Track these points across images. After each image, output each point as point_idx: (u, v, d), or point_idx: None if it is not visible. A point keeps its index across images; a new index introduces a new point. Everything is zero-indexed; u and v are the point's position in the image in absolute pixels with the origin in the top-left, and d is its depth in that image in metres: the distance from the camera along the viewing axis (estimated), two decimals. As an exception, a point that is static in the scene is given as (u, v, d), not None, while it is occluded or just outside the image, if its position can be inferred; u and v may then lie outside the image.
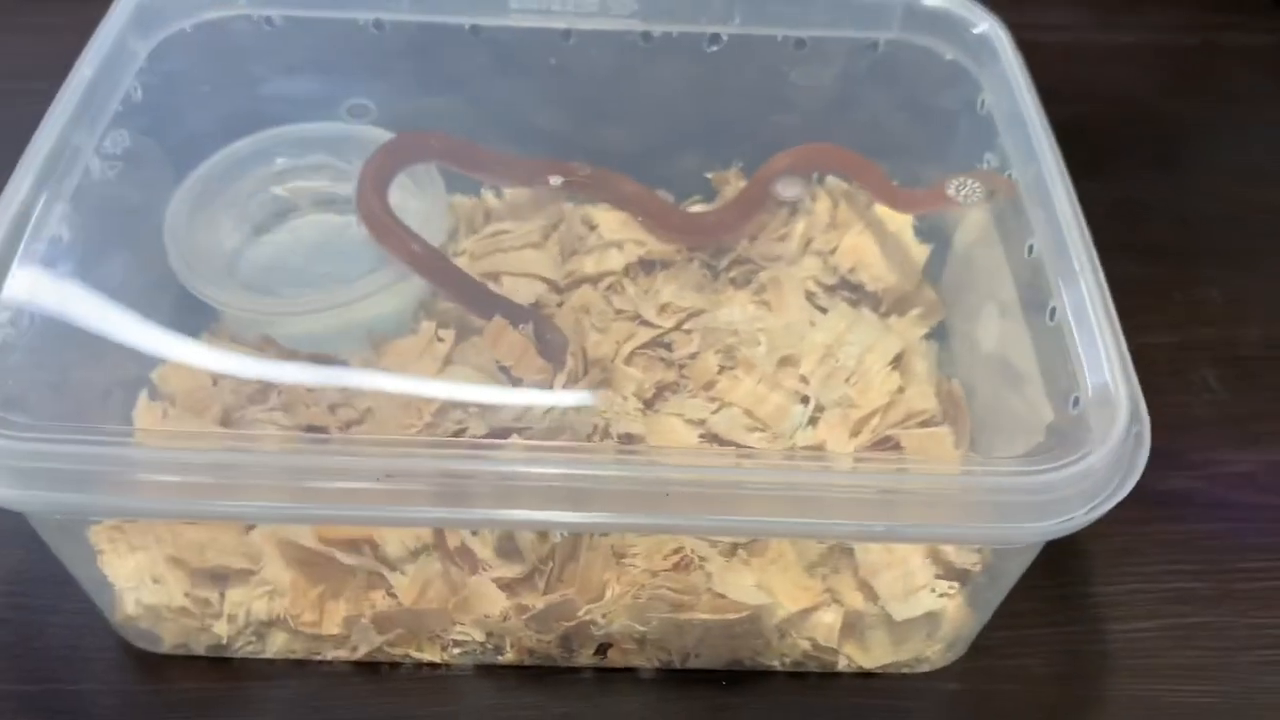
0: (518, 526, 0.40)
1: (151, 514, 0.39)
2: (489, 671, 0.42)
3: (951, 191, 0.44)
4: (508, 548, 0.42)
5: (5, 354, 0.37)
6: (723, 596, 0.40)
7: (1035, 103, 0.44)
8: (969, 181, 0.44)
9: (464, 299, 0.48)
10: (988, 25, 0.47)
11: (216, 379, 0.46)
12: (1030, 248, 0.42)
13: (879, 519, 0.35)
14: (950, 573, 0.42)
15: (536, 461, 0.36)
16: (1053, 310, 0.40)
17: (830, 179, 0.53)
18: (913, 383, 0.47)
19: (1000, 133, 0.46)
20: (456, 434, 0.46)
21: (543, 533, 0.41)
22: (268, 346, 0.47)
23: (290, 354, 0.47)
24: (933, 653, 0.43)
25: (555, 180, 0.51)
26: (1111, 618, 0.45)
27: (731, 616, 0.40)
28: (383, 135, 0.51)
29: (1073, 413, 0.37)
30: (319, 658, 0.42)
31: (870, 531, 0.36)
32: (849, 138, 0.52)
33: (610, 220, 0.53)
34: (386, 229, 0.47)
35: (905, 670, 0.43)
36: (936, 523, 0.35)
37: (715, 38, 0.50)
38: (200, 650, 0.42)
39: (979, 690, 0.43)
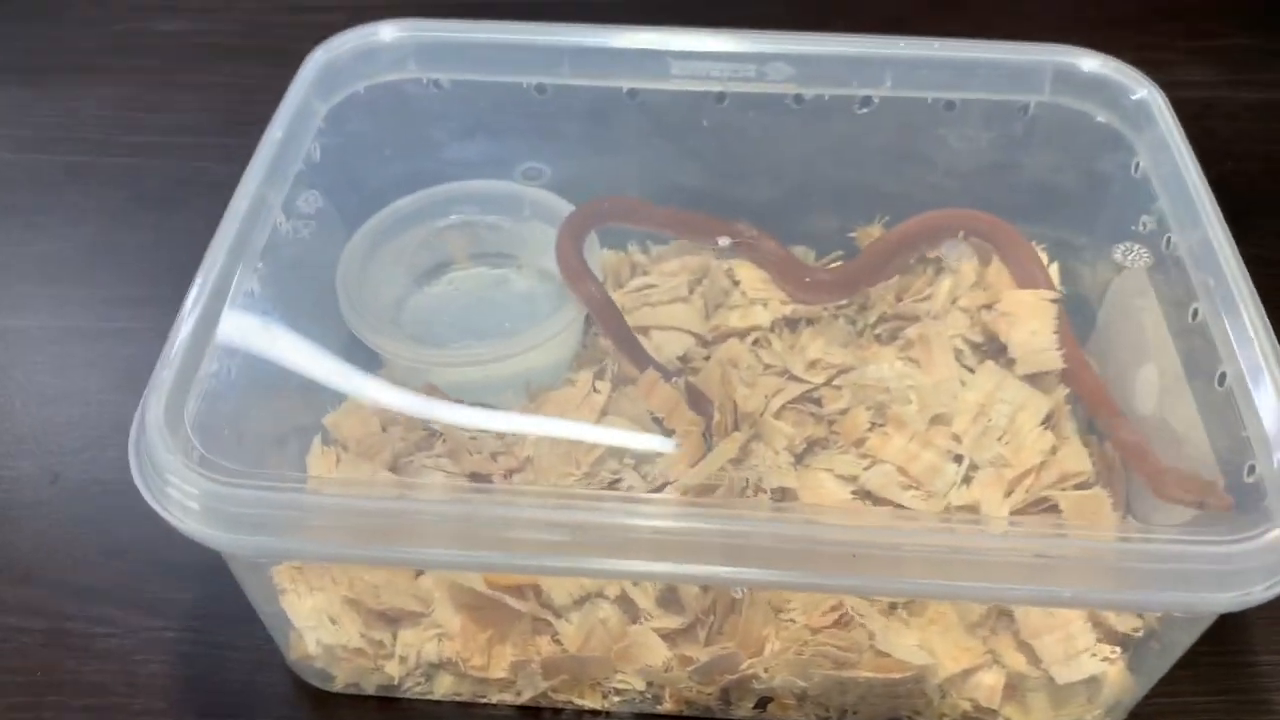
0: (678, 580, 0.41)
1: (328, 558, 0.41)
2: (648, 720, 0.43)
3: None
4: (669, 599, 0.43)
5: (210, 401, 0.39)
6: (886, 655, 0.41)
7: (1195, 165, 0.44)
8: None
9: (626, 351, 0.50)
10: (1145, 91, 0.47)
11: (386, 425, 0.48)
12: (1195, 312, 0.42)
13: (1054, 584, 0.35)
14: (1111, 637, 0.42)
15: (696, 516, 0.37)
16: (1222, 376, 0.40)
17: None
18: (1064, 444, 0.47)
19: (1158, 196, 0.46)
20: (613, 484, 0.47)
21: (703, 589, 0.42)
22: (433, 394, 0.49)
23: (455, 402, 0.49)
24: (1092, 717, 0.43)
25: (724, 241, 0.52)
26: (1276, 687, 0.44)
27: (895, 676, 0.40)
28: (539, 194, 0.53)
29: (1248, 481, 0.37)
30: (484, 700, 0.44)
31: (1056, 597, 0.36)
32: (997, 199, 0.52)
33: (753, 277, 0.54)
34: (578, 274, 0.50)
35: (1064, 734, 0.43)
36: (1114, 589, 0.35)
37: (867, 100, 0.51)
38: (370, 689, 0.44)
39: (1141, 757, 0.42)
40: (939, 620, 0.42)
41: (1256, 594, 0.34)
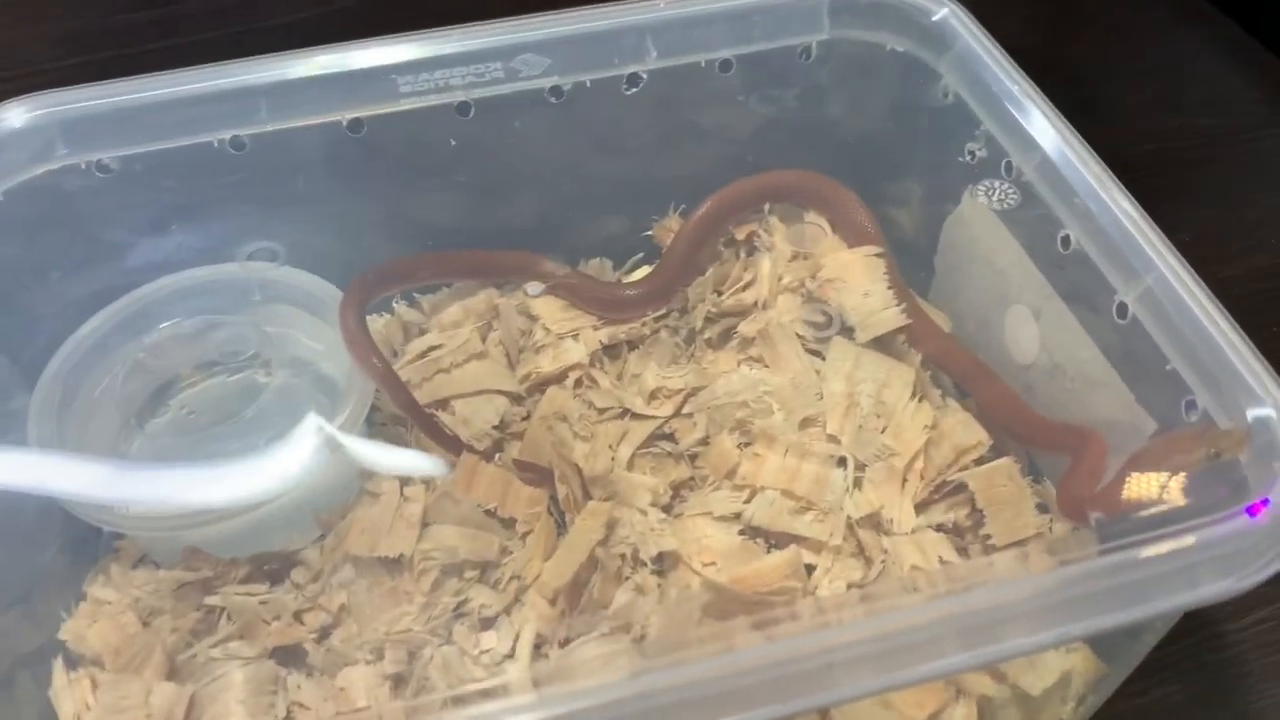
0: None
1: None
2: None
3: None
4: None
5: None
6: (845, 728, 0.34)
7: (1020, 77, 0.39)
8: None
9: (434, 436, 0.40)
10: (944, 9, 0.42)
11: (146, 618, 0.37)
12: (1065, 239, 0.37)
13: (1021, 633, 0.28)
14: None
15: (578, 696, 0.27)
16: (1122, 306, 0.35)
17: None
18: (945, 415, 0.42)
19: (980, 119, 0.41)
20: (459, 610, 0.38)
21: None
22: (196, 560, 0.38)
23: (229, 564, 0.38)
24: (1067, 714, 0.37)
25: (535, 290, 0.43)
26: (1247, 644, 0.40)
27: (865, 752, 0.33)
28: (265, 270, 0.42)
29: (1189, 419, 0.32)
30: None
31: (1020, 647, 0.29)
32: (796, 159, 0.46)
33: (551, 307, 0.46)
34: (368, 355, 0.41)
35: (1045, 743, 0.38)
36: (1084, 617, 0.28)
37: (633, 78, 0.43)
38: None
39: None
40: (886, 667, 0.35)
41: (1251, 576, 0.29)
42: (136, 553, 0.39)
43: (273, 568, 0.38)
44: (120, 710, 0.34)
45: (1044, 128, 0.38)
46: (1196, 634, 0.40)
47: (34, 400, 0.39)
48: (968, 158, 0.42)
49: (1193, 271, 0.33)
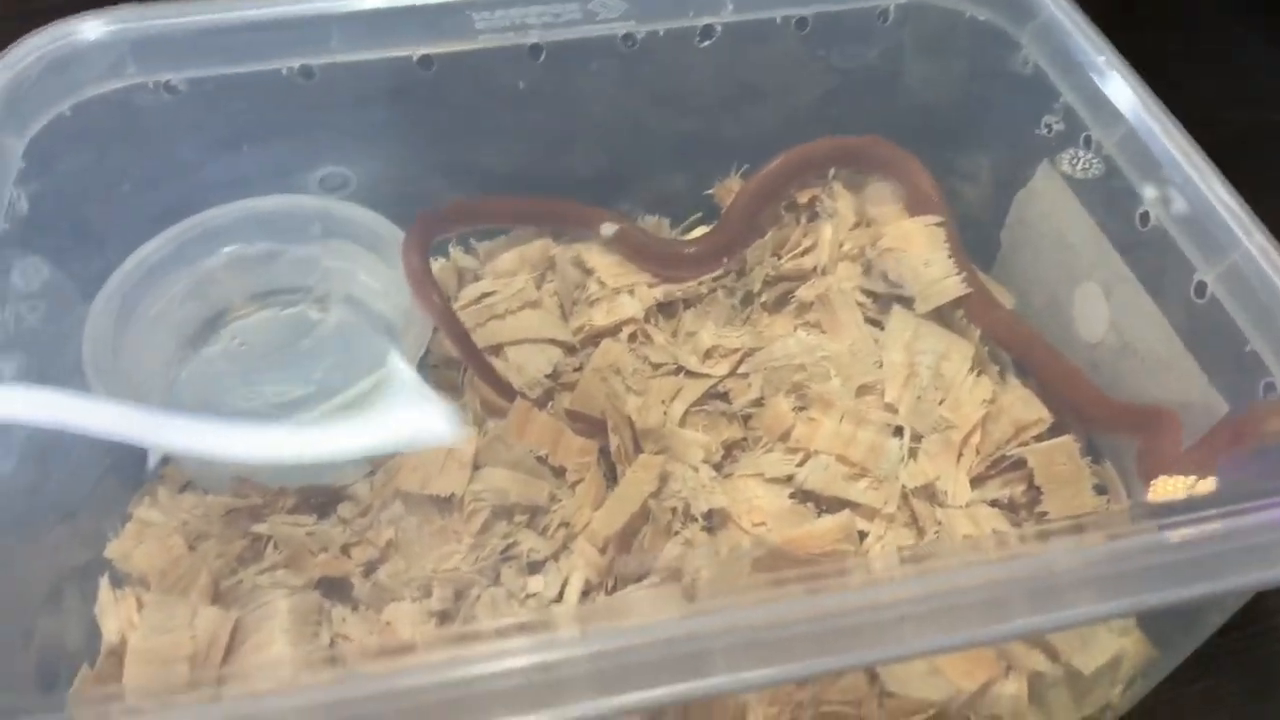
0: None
1: None
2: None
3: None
4: None
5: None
6: (895, 695, 0.33)
7: (1108, 48, 0.38)
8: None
9: (489, 381, 0.40)
10: (1030, -28, 0.41)
11: (193, 542, 0.36)
12: (1144, 216, 0.36)
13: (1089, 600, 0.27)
14: (1119, 604, 0.36)
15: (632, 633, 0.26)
16: (1200, 285, 0.34)
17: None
18: (1005, 390, 0.41)
19: (1060, 92, 0.40)
20: (506, 552, 0.37)
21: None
22: (244, 488, 0.38)
23: (277, 494, 0.38)
24: (1115, 697, 0.37)
25: (608, 230, 0.43)
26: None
27: (916, 718, 0.33)
28: (329, 205, 0.42)
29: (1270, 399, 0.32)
30: None
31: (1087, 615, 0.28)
32: (865, 125, 0.45)
33: (607, 262, 0.45)
34: (429, 293, 0.40)
35: (1090, 726, 0.37)
36: (1147, 590, 0.27)
37: (708, 30, 0.43)
38: None
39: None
40: (937, 636, 0.35)
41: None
42: (183, 478, 0.39)
43: (320, 500, 0.38)
44: (165, 630, 0.34)
45: (1130, 100, 0.37)
46: (1249, 627, 0.40)
47: (91, 315, 0.38)
48: (1044, 130, 0.41)
49: (1280, 249, 0.32)
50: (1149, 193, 0.36)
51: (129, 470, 0.39)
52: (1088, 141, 0.39)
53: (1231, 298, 0.33)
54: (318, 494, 0.38)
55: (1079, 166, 0.38)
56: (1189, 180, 0.34)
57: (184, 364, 0.42)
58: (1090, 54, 0.39)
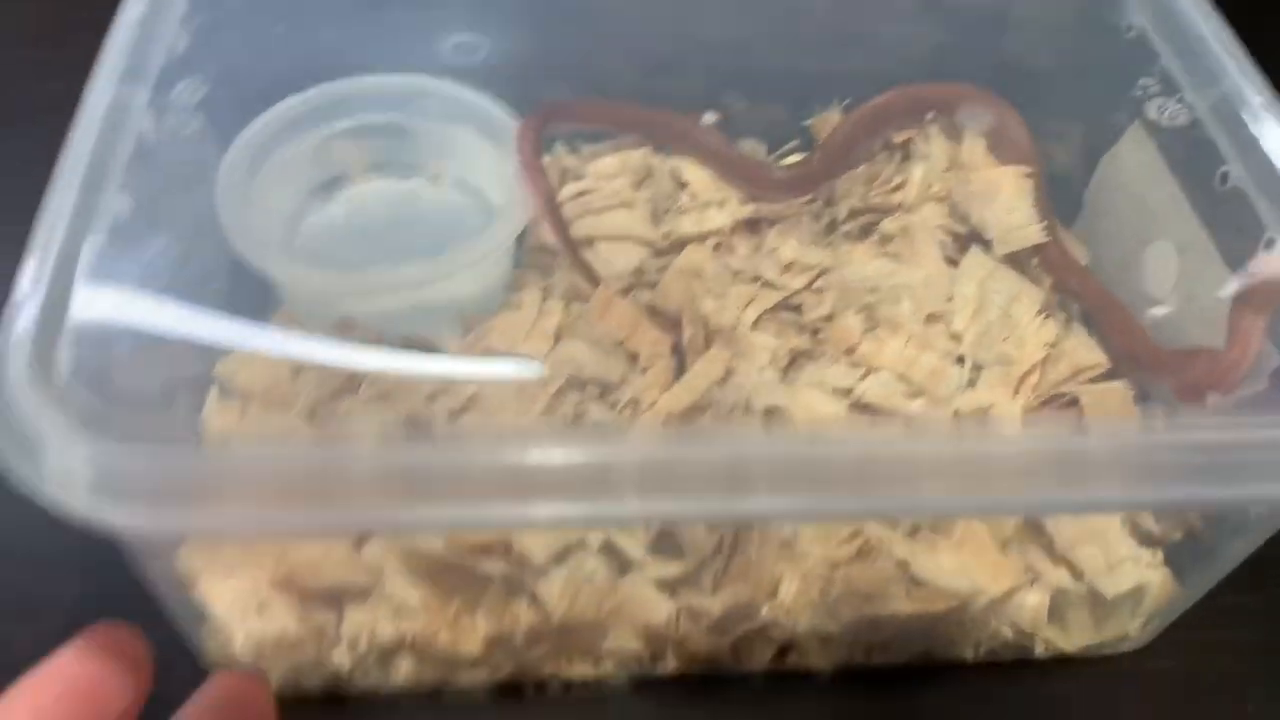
0: (672, 520, 0.35)
1: (252, 529, 0.32)
2: (648, 686, 0.37)
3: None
4: (664, 544, 0.36)
5: (76, 353, 0.30)
6: (922, 584, 0.35)
7: (1214, 13, 0.39)
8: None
9: (578, 266, 0.43)
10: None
11: (297, 370, 0.40)
12: (1224, 175, 0.38)
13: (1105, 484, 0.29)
14: (1149, 541, 0.38)
15: (687, 440, 0.30)
16: (1270, 241, 0.35)
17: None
18: (1068, 335, 0.43)
19: (1160, 55, 0.41)
20: (577, 419, 0.40)
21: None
22: (348, 329, 0.41)
23: (377, 337, 0.41)
24: (1134, 628, 0.39)
25: (710, 117, 0.46)
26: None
27: (939, 608, 0.35)
28: (450, 89, 0.45)
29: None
30: (453, 685, 0.37)
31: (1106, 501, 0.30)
32: (963, 73, 0.47)
33: (701, 177, 0.48)
34: (537, 174, 0.43)
35: (1106, 651, 0.39)
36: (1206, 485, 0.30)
37: (826, -37, 0.45)
38: (314, 686, 0.36)
39: (1188, 669, 0.39)
40: (969, 540, 0.37)
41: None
42: (292, 315, 0.42)
43: (415, 351, 0.41)
44: (272, 438, 0.37)
45: (1229, 65, 0.38)
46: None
47: (226, 159, 0.42)
48: (1139, 93, 0.42)
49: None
50: (1231, 154, 0.37)
51: (241, 300, 0.42)
52: (1181, 101, 0.40)
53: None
54: (414, 344, 0.41)
55: (1166, 114, 0.39)
56: (1273, 140, 0.36)
57: (303, 217, 0.45)
58: (1198, 20, 0.40)
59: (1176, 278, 0.41)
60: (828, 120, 0.49)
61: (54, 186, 0.32)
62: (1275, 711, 0.38)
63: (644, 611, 0.36)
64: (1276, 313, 0.33)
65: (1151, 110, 0.39)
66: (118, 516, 0.26)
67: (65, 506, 0.26)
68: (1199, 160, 0.39)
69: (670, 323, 0.43)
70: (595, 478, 0.27)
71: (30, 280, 0.29)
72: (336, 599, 0.36)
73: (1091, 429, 0.36)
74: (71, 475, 0.26)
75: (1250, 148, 0.36)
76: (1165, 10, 0.41)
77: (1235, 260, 0.37)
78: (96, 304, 0.31)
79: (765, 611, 0.35)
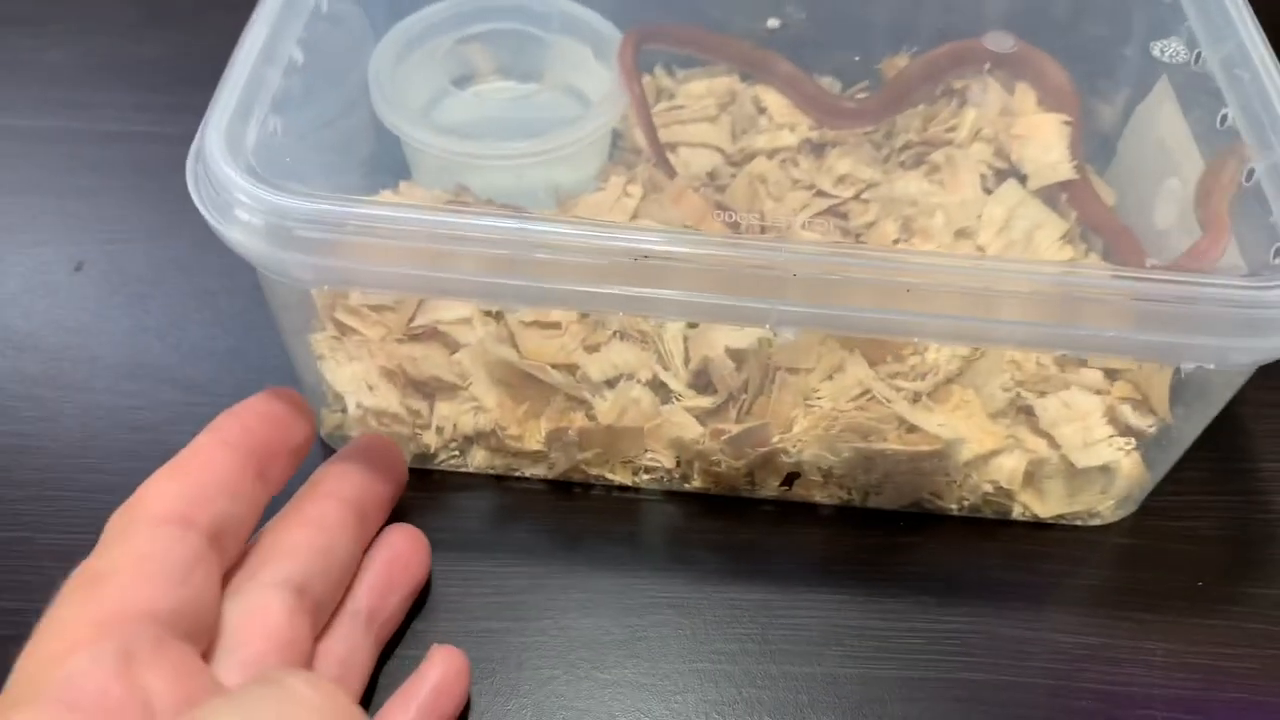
0: (726, 316, 0.39)
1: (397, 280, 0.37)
2: (675, 497, 0.44)
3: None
4: (700, 383, 0.43)
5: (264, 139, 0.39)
6: (914, 430, 0.42)
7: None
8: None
9: (659, 160, 0.50)
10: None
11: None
12: (1224, 117, 0.43)
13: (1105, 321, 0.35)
14: (1125, 431, 0.43)
15: (742, 246, 0.36)
16: (1250, 172, 0.41)
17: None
18: (1083, 261, 0.49)
19: (1189, 17, 0.47)
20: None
21: (735, 368, 0.42)
22: (462, 195, 0.49)
23: (485, 203, 0.49)
24: (1105, 508, 0.44)
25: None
26: (1276, 490, 0.46)
27: (924, 449, 0.41)
28: (569, 7, 0.53)
29: (1275, 263, 0.38)
30: (516, 473, 0.44)
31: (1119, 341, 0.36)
32: (1033, 31, 0.53)
33: (780, 104, 0.55)
34: (631, 74, 0.51)
35: (1078, 523, 0.44)
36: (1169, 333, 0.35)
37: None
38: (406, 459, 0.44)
39: (1150, 546, 0.44)
40: (963, 408, 0.43)
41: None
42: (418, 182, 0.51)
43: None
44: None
45: (1238, 25, 0.44)
46: (1242, 498, 0.46)
47: (378, 49, 0.51)
48: (1170, 52, 0.48)
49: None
50: (1230, 98, 0.43)
51: (378, 165, 0.51)
52: (1198, 58, 0.46)
53: (1267, 181, 0.40)
54: (514, 210, 0.49)
55: (1167, 54, 0.45)
56: (1261, 86, 0.41)
57: (437, 104, 0.54)
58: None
59: (1181, 210, 0.46)
60: (895, 64, 0.55)
61: (246, 33, 0.41)
62: (1225, 589, 0.43)
63: (677, 430, 0.43)
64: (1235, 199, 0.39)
65: (1175, 66, 0.45)
66: (285, 256, 0.34)
67: (247, 247, 0.34)
68: (1208, 106, 0.44)
69: (734, 218, 0.50)
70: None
71: (228, 89, 0.38)
72: (431, 392, 0.44)
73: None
74: (252, 224, 0.34)
75: (1244, 93, 0.42)
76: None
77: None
78: (272, 120, 0.40)
79: (776, 440, 0.42)
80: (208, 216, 0.35)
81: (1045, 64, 0.53)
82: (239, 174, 0.35)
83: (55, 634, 0.29)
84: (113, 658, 0.28)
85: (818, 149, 0.54)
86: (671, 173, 0.51)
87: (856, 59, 0.56)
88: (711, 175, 0.52)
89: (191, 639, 0.30)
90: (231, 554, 0.34)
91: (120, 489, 0.42)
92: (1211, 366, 0.37)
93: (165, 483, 0.33)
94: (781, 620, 0.41)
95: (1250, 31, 0.43)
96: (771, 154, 0.53)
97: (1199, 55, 0.46)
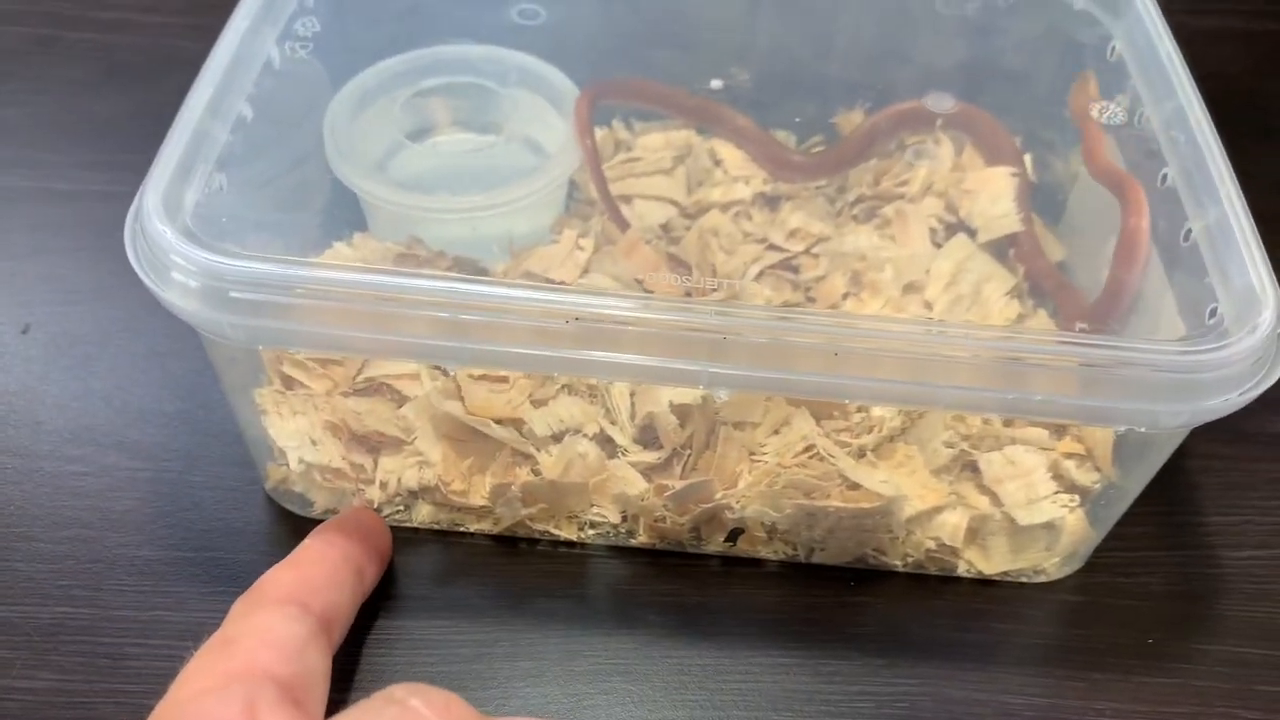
0: (664, 378, 0.39)
1: (329, 341, 0.38)
2: (622, 553, 0.44)
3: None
4: (646, 437, 0.44)
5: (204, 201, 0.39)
6: (856, 487, 0.42)
7: (1174, 49, 0.46)
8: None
9: (612, 215, 0.51)
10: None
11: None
12: (1164, 177, 0.44)
13: (1031, 388, 0.36)
14: (1070, 488, 0.43)
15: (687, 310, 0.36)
16: (1188, 232, 0.41)
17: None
18: (1031, 317, 0.49)
19: (1131, 76, 0.47)
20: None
21: (680, 423, 0.43)
22: (414, 246, 0.49)
23: (437, 255, 0.49)
24: (1050, 565, 0.44)
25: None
26: (1224, 545, 0.46)
27: (865, 505, 0.41)
28: (525, 60, 0.54)
29: (1209, 323, 0.39)
30: (461, 529, 0.44)
31: (1047, 404, 0.36)
32: (971, 89, 0.54)
33: (735, 157, 0.55)
34: (586, 130, 0.52)
35: (1023, 580, 0.44)
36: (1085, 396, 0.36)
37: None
38: (349, 515, 0.44)
39: (1098, 603, 0.44)
40: (906, 464, 0.43)
41: (1232, 400, 0.35)
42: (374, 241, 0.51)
43: (466, 269, 0.49)
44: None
45: (1179, 87, 0.45)
46: (1190, 552, 0.46)
47: (335, 99, 0.51)
48: (1116, 109, 0.48)
49: (1248, 213, 0.39)
50: (1170, 159, 0.43)
51: (340, 223, 0.51)
52: (1141, 118, 0.46)
53: (1204, 242, 0.40)
54: (465, 265, 0.50)
55: (1105, 116, 0.45)
56: (1197, 149, 0.42)
57: (395, 156, 0.54)
58: (1156, 44, 0.46)
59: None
60: (851, 119, 0.56)
61: (192, 91, 0.41)
62: (1175, 646, 0.43)
63: (622, 485, 0.43)
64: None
65: (1115, 127, 0.46)
66: (214, 323, 0.34)
67: (182, 309, 0.34)
68: (1152, 165, 0.45)
69: (685, 270, 0.51)
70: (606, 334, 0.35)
71: (170, 148, 0.38)
72: (374, 446, 0.44)
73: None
74: (188, 285, 0.34)
75: (1181, 154, 0.42)
76: (1142, 40, 0.48)
77: (1165, 245, 0.43)
78: (216, 177, 0.40)
79: (719, 496, 0.42)
80: (144, 278, 0.35)
81: (985, 122, 0.54)
82: (175, 235, 0.35)
83: (188, 682, 0.32)
84: (239, 701, 0.31)
85: (772, 202, 0.54)
86: (624, 225, 0.51)
87: (797, 120, 0.56)
88: (665, 228, 0.53)
89: (302, 709, 0.32)
90: (336, 640, 0.37)
91: (58, 558, 0.42)
92: (1143, 430, 0.37)
93: (283, 573, 0.37)
94: (731, 685, 0.41)
95: (1188, 94, 0.44)
96: (725, 207, 0.53)
97: (1141, 115, 0.47)
